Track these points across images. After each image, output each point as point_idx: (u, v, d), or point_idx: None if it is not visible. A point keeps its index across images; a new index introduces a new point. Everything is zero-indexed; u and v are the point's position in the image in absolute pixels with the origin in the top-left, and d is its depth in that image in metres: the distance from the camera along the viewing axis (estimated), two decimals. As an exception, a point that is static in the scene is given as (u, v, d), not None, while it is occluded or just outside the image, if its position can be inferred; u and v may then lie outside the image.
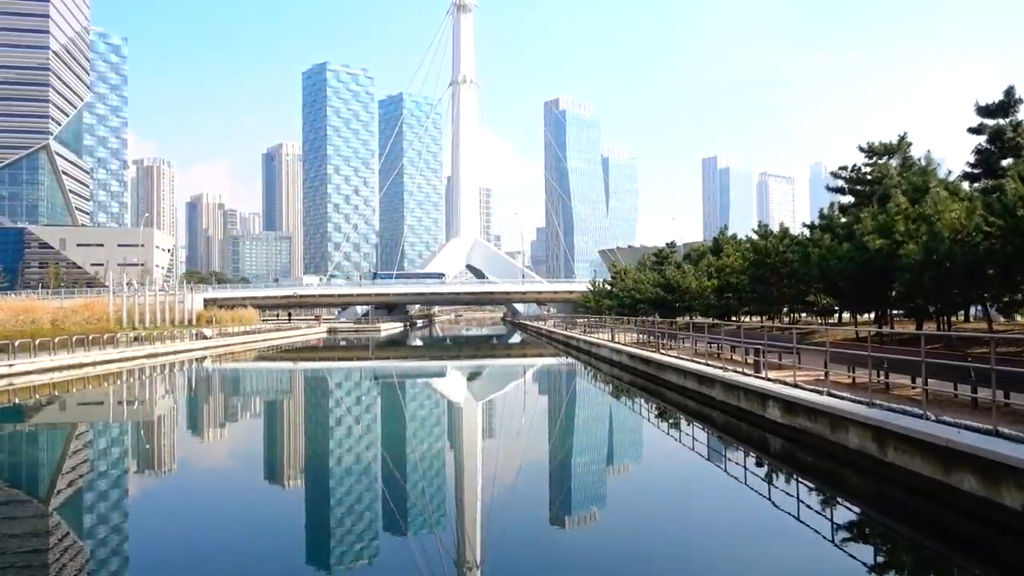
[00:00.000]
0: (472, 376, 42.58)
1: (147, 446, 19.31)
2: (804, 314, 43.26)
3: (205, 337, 56.43)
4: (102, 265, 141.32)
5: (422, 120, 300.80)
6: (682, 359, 25.55)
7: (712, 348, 27.72)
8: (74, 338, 39.08)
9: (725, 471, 14.91)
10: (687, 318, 53.40)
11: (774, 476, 14.24)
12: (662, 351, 29.56)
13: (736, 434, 18.07)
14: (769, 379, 18.02)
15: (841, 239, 30.43)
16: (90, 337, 40.54)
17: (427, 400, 32.00)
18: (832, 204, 38.81)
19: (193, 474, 15.99)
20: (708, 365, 22.55)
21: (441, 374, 44.35)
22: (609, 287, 77.06)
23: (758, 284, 39.26)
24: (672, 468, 16.15)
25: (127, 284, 61.67)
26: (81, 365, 37.31)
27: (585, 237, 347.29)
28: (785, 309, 42.56)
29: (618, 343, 37.41)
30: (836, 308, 37.80)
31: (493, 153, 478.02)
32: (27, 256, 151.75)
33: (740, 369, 20.25)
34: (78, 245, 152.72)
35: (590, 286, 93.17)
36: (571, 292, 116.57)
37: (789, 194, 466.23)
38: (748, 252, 40.84)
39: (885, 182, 33.61)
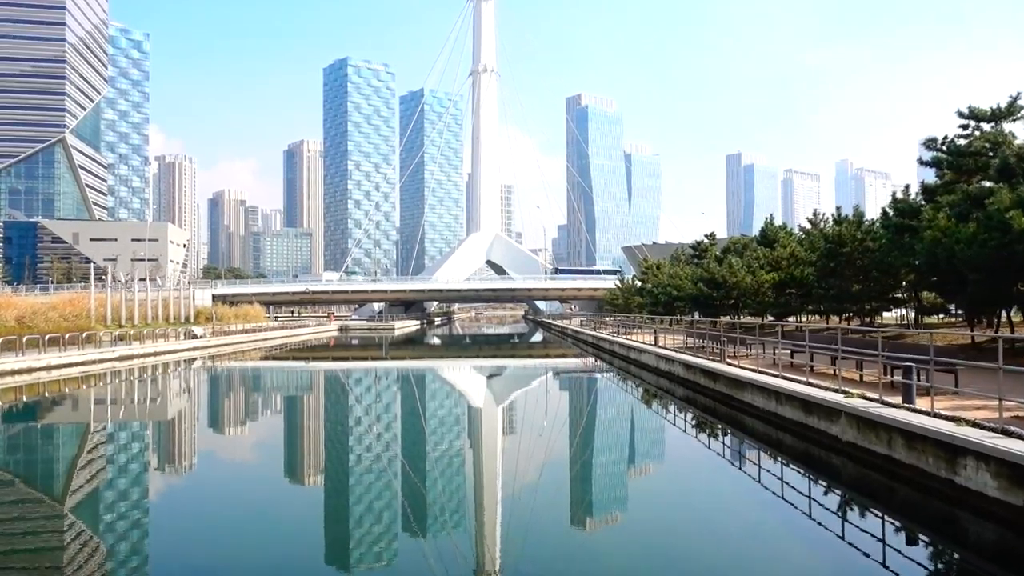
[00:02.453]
0: (493, 379, 36.42)
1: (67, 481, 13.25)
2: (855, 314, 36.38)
3: (195, 336, 50.59)
4: (115, 260, 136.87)
5: (443, 116, 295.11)
6: (766, 373, 19.04)
7: (793, 358, 21.24)
8: (25, 338, 33.23)
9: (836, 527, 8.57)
10: (731, 317, 47.12)
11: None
12: (729, 360, 23.02)
13: (886, 500, 11.60)
14: (943, 416, 11.50)
15: (956, 219, 23.80)
16: (47, 337, 34.70)
17: (446, 403, 26.00)
18: (905, 187, 32.31)
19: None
20: (811, 385, 16.05)
21: (461, 377, 38.40)
22: (640, 283, 70.41)
23: (831, 278, 32.64)
24: (740, 503, 12.22)
25: (112, 278, 56.04)
26: (31, 370, 31.48)
27: (607, 235, 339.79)
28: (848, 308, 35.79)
29: (665, 348, 30.85)
30: (945, 307, 30.87)
31: (514, 150, 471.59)
32: (40, 250, 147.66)
33: (876, 396, 13.69)
34: (91, 240, 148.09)
35: (617, 283, 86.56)
36: (595, 289, 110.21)
37: (815, 191, 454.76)
38: (818, 240, 34.18)
39: (1003, 151, 26.90)
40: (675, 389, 25.90)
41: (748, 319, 45.21)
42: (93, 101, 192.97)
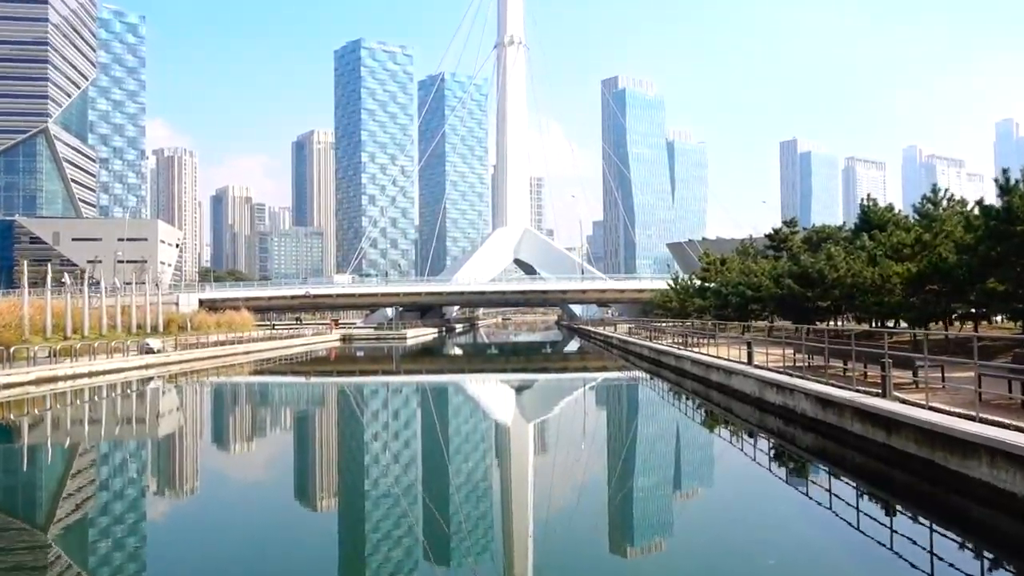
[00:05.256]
0: (529, 406, 29.36)
1: None
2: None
3: (151, 351, 44.13)
4: (99, 261, 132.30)
5: (465, 101, 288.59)
6: (1005, 426, 11.69)
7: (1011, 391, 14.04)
8: None
9: None
10: (829, 323, 40.09)
11: None
12: (897, 395, 15.64)
13: None
14: None
15: None
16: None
17: (469, 421, 20.06)
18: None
19: None
20: None
21: (486, 395, 32.01)
22: (700, 282, 62.93)
23: (996, 268, 25.10)
24: None
25: (56, 282, 50.01)
26: None
27: (648, 231, 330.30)
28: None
29: (769, 369, 23.38)
30: None
31: (544, 139, 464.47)
32: (17, 252, 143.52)
33: None
34: (73, 240, 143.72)
35: (671, 282, 78.99)
36: (640, 291, 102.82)
37: (879, 180, 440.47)
38: (976, 220, 26.68)
39: None
40: (798, 435, 18.54)
41: (851, 325, 37.90)
42: (80, 88, 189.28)
